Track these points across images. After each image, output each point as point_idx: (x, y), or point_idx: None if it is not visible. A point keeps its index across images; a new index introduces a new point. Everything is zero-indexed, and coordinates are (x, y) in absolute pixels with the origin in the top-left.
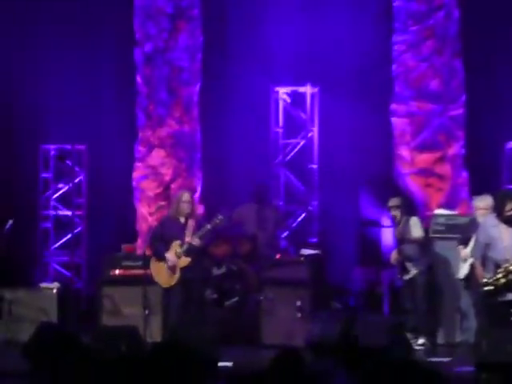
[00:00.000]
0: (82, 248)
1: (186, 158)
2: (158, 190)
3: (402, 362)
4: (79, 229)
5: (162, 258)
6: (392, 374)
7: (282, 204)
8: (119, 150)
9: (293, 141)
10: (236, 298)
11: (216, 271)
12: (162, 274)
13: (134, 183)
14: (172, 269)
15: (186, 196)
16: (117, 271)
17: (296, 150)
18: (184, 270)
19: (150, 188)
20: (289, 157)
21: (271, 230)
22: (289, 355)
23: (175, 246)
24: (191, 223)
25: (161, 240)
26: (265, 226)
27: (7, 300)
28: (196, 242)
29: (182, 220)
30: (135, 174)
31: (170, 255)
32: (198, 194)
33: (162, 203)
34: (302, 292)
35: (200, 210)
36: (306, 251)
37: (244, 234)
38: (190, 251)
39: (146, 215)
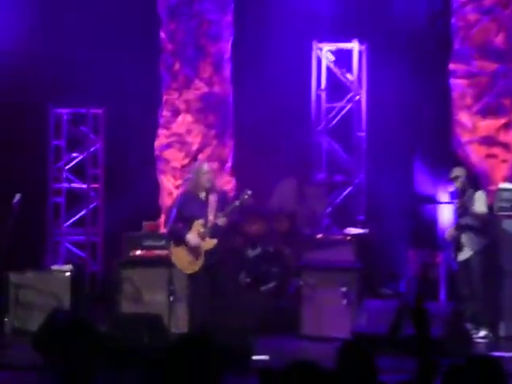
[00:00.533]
0: (99, 225)
1: (216, 124)
2: (185, 161)
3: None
4: (95, 204)
5: (182, 241)
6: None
7: (324, 177)
8: (141, 115)
9: (337, 105)
10: (273, 283)
11: (250, 253)
12: (184, 259)
13: (156, 152)
14: (195, 252)
15: (205, 167)
16: (138, 252)
17: (341, 115)
18: (209, 253)
19: (175, 158)
20: (333, 123)
21: (312, 207)
22: (356, 349)
23: (197, 225)
24: (213, 198)
25: (181, 220)
26: (305, 203)
27: (14, 284)
28: (221, 221)
29: (203, 195)
30: (158, 142)
31: (192, 236)
32: (229, 165)
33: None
34: (348, 276)
35: (231, 183)
36: (351, 230)
37: (281, 211)
38: (215, 232)
39: (171, 189)
